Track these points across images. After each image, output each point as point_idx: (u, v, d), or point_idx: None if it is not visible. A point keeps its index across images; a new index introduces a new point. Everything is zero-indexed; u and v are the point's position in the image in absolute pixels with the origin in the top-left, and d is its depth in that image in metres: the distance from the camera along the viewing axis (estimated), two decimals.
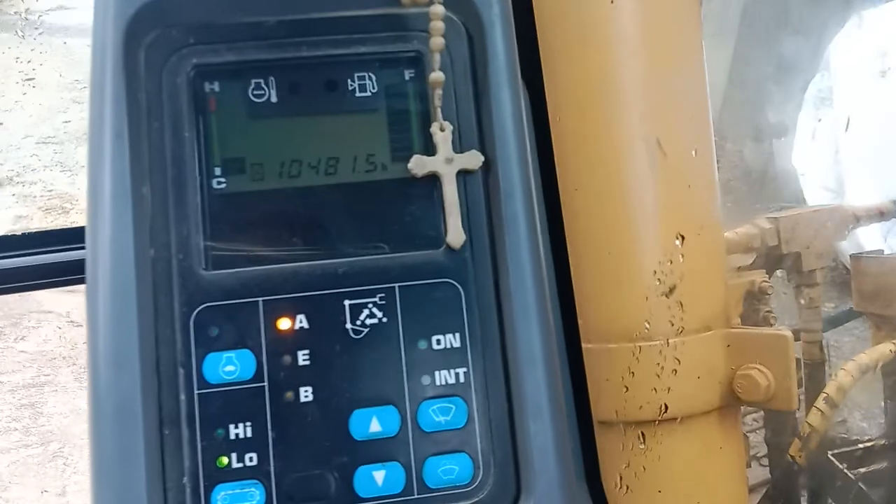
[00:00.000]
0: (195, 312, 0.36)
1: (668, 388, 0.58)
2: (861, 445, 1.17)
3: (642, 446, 0.58)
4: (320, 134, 0.36)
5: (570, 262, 0.47)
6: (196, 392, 0.34)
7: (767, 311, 0.95)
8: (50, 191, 6.24)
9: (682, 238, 0.56)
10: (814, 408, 0.86)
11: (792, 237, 0.96)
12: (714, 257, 0.64)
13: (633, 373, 0.58)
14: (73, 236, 0.68)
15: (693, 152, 0.61)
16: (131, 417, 0.33)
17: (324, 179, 0.36)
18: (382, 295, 0.35)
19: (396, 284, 0.36)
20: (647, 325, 0.58)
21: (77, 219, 6.09)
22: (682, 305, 0.59)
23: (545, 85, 0.46)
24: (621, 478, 0.55)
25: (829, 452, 1.21)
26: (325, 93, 0.36)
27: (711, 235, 0.65)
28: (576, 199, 0.52)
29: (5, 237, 0.65)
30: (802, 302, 0.98)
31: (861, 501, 1.13)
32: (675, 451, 0.61)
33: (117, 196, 0.33)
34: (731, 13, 5.34)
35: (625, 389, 0.58)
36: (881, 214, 1.06)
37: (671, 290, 0.57)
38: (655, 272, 0.58)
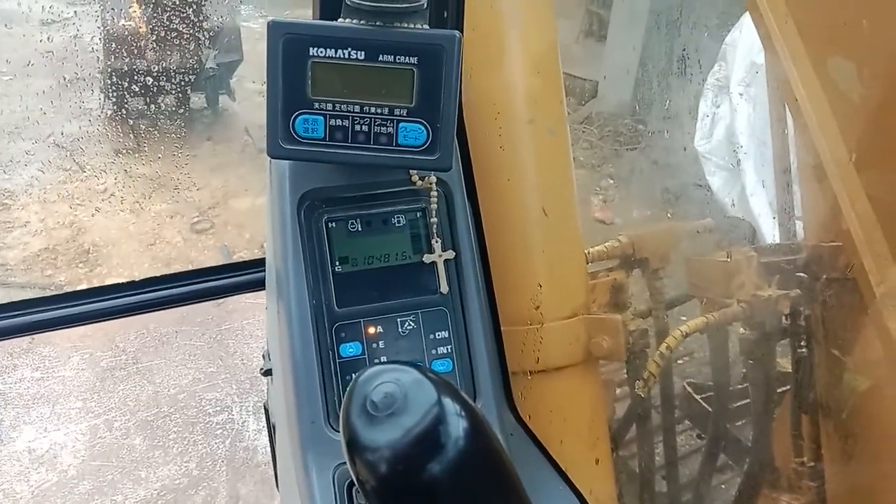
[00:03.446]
0: (334, 327, 0.76)
1: (547, 350, 1.03)
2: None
3: (531, 386, 1.02)
4: (381, 243, 0.77)
5: (494, 287, 0.90)
6: (338, 362, 0.76)
7: (626, 297, 1.39)
8: None
9: (553, 272, 1.01)
10: (651, 360, 1.31)
11: (642, 248, 1.42)
12: (575, 276, 1.10)
13: (524, 343, 1.02)
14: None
15: (562, 212, 1.06)
16: (309, 355, 0.74)
17: (383, 264, 0.77)
18: (415, 316, 0.77)
19: (420, 311, 0.78)
20: (537, 314, 1.02)
21: (19, 215, 6.10)
22: (556, 304, 1.04)
23: (478, 196, 0.89)
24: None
25: (685, 382, 1.76)
26: (382, 225, 0.78)
27: (574, 263, 1.10)
28: (497, 260, 0.95)
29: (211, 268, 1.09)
30: (649, 291, 1.44)
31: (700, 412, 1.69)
32: (552, 389, 1.06)
33: (296, 274, 0.74)
34: (640, 7, 5.82)
35: (521, 352, 1.02)
36: (708, 231, 1.52)
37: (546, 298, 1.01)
38: (541, 286, 1.02)
